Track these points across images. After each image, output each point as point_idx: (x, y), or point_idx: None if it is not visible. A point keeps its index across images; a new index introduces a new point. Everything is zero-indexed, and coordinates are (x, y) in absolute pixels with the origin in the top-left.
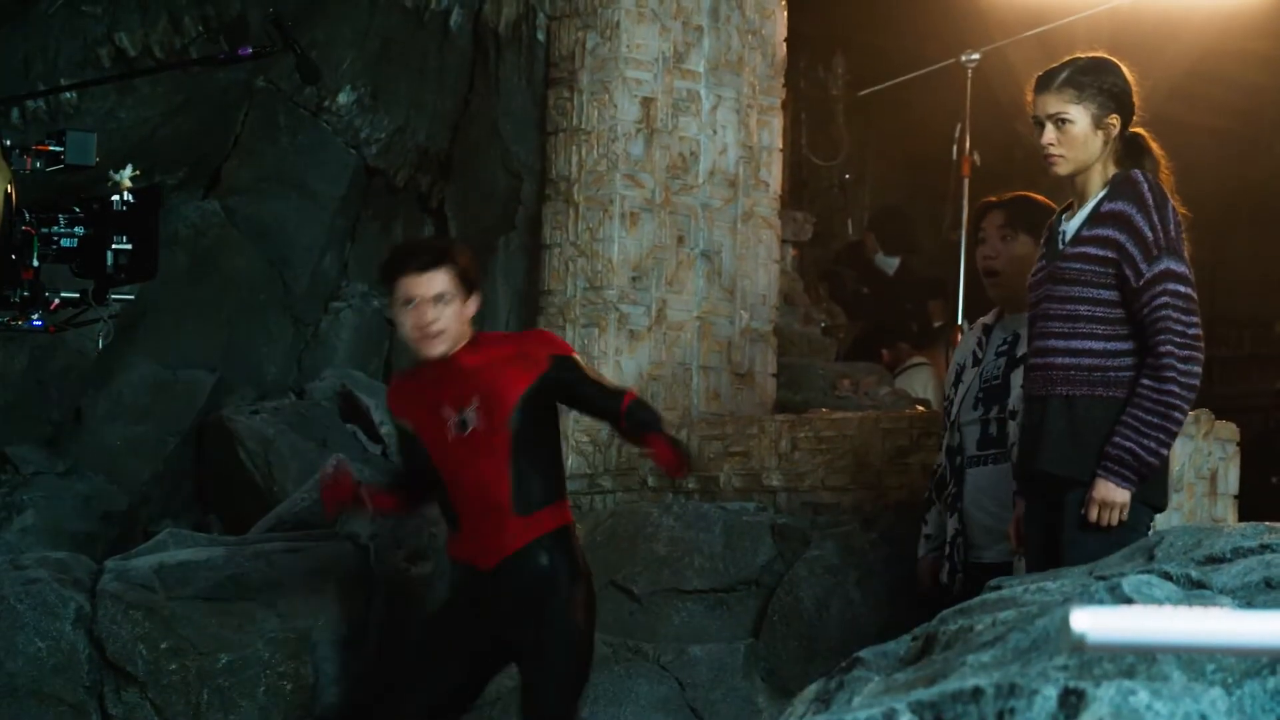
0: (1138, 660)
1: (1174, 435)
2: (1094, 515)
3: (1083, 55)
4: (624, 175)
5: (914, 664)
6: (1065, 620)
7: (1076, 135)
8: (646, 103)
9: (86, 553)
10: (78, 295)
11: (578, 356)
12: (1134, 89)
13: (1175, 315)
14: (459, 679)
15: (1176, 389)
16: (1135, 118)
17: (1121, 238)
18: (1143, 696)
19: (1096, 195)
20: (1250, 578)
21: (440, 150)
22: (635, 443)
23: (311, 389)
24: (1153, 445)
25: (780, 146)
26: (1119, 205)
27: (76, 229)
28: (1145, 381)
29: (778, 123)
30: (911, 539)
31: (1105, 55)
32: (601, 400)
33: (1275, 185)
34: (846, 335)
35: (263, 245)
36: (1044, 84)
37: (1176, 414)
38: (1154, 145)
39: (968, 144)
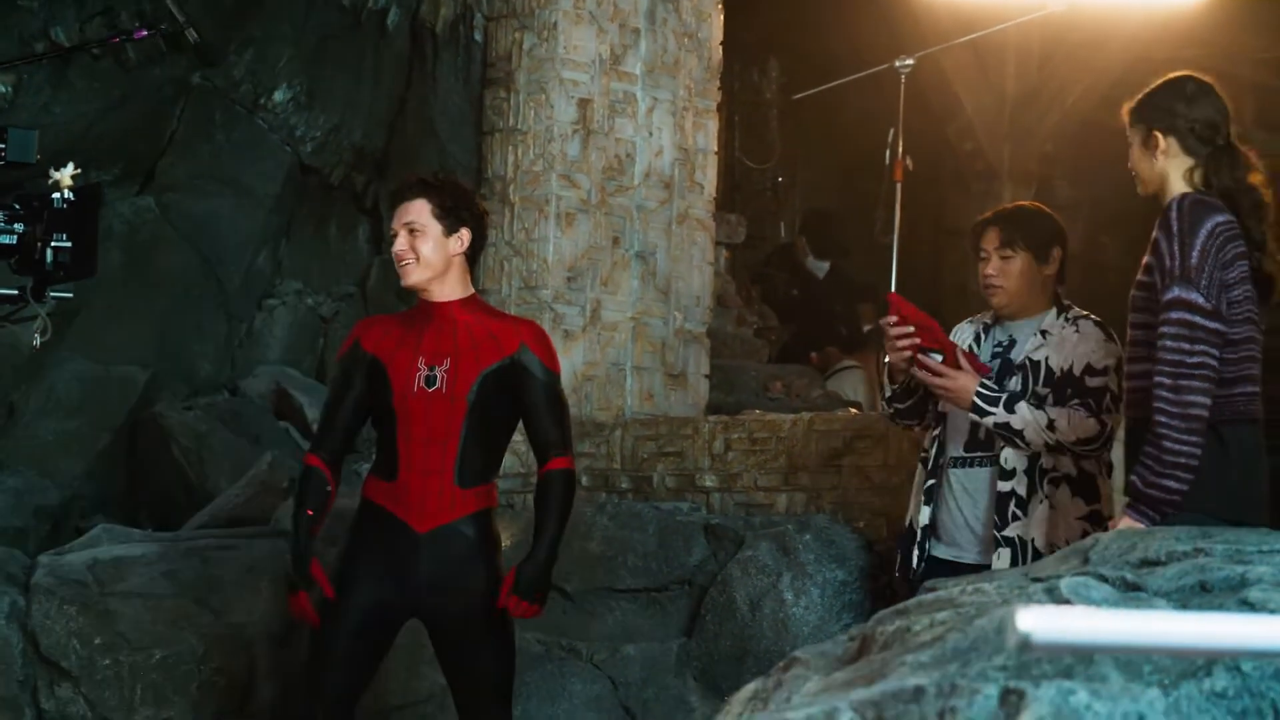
0: (1076, 661)
1: (1175, 465)
2: None
3: (1158, 82)
4: (560, 176)
5: (851, 664)
6: (1010, 620)
7: (1134, 157)
8: (583, 104)
9: (17, 548)
10: (16, 292)
11: (556, 374)
12: (1180, 101)
13: (1171, 344)
14: (366, 631)
15: (1164, 419)
16: (1214, 131)
17: (1154, 264)
18: (1082, 696)
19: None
20: (1185, 581)
21: (376, 149)
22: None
23: (245, 386)
24: (1149, 476)
25: (715, 149)
26: (1156, 232)
27: (16, 226)
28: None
29: (713, 125)
30: (848, 541)
31: (1176, 77)
32: (542, 428)
33: None
34: (778, 338)
35: (197, 242)
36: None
37: (1169, 443)
38: (1237, 159)
39: (901, 149)
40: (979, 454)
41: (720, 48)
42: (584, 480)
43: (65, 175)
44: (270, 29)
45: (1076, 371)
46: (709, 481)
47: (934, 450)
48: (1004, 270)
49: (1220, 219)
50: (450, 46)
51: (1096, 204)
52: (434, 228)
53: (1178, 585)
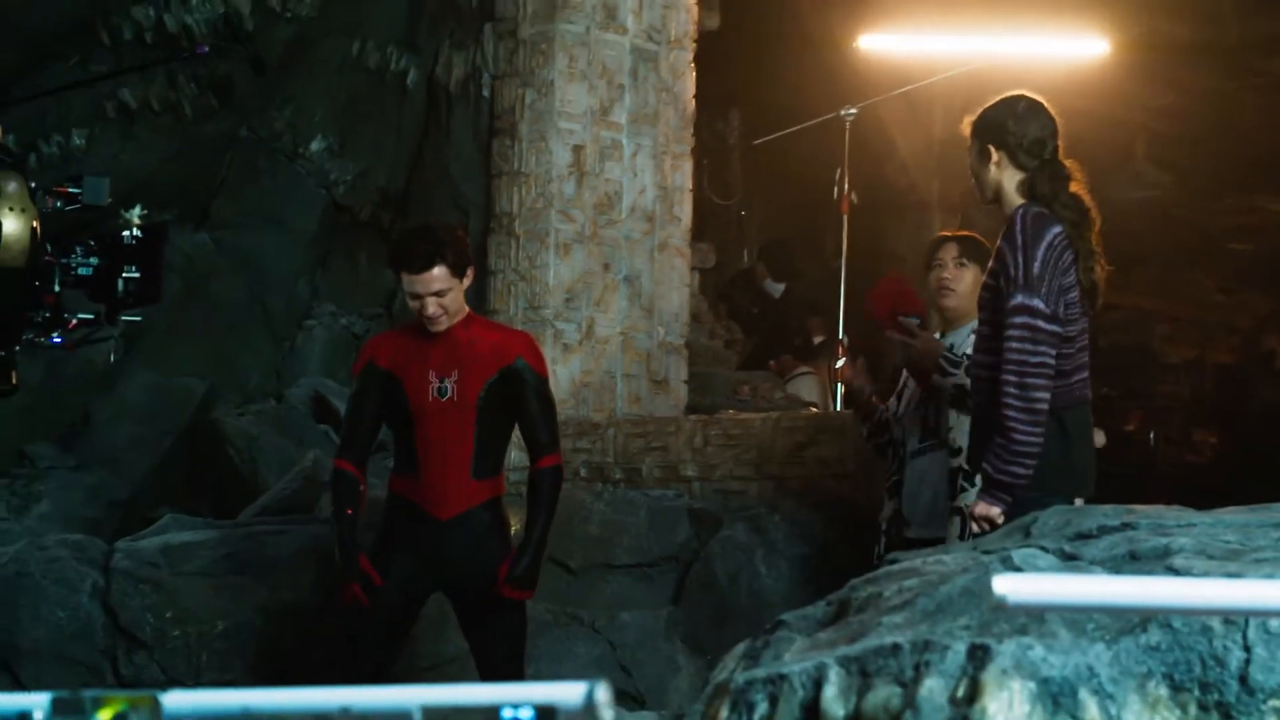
0: (1029, 620)
1: (1022, 454)
2: (974, 529)
3: (995, 99)
4: (558, 212)
5: (831, 625)
6: (988, 584)
7: (973, 167)
8: (577, 150)
9: (93, 536)
10: (92, 316)
11: (545, 378)
12: (1011, 119)
13: (1016, 345)
14: (400, 605)
15: (1012, 412)
16: (1039, 146)
17: (999, 270)
18: (1039, 651)
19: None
20: (1117, 551)
21: (398, 190)
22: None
23: (289, 395)
24: (999, 464)
25: (690, 187)
26: (1001, 243)
27: (91, 259)
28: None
29: (688, 167)
30: (811, 521)
31: (1010, 94)
32: (535, 430)
33: (1100, 221)
34: (743, 348)
35: (246, 272)
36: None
37: (1016, 434)
38: (1058, 172)
39: (847, 185)
40: (931, 441)
41: (694, 100)
42: (582, 472)
43: (134, 215)
44: (307, 89)
45: None
46: (691, 472)
47: (899, 447)
48: (958, 276)
49: (1057, 230)
50: (462, 102)
51: None
52: (453, 284)
53: (1110, 555)
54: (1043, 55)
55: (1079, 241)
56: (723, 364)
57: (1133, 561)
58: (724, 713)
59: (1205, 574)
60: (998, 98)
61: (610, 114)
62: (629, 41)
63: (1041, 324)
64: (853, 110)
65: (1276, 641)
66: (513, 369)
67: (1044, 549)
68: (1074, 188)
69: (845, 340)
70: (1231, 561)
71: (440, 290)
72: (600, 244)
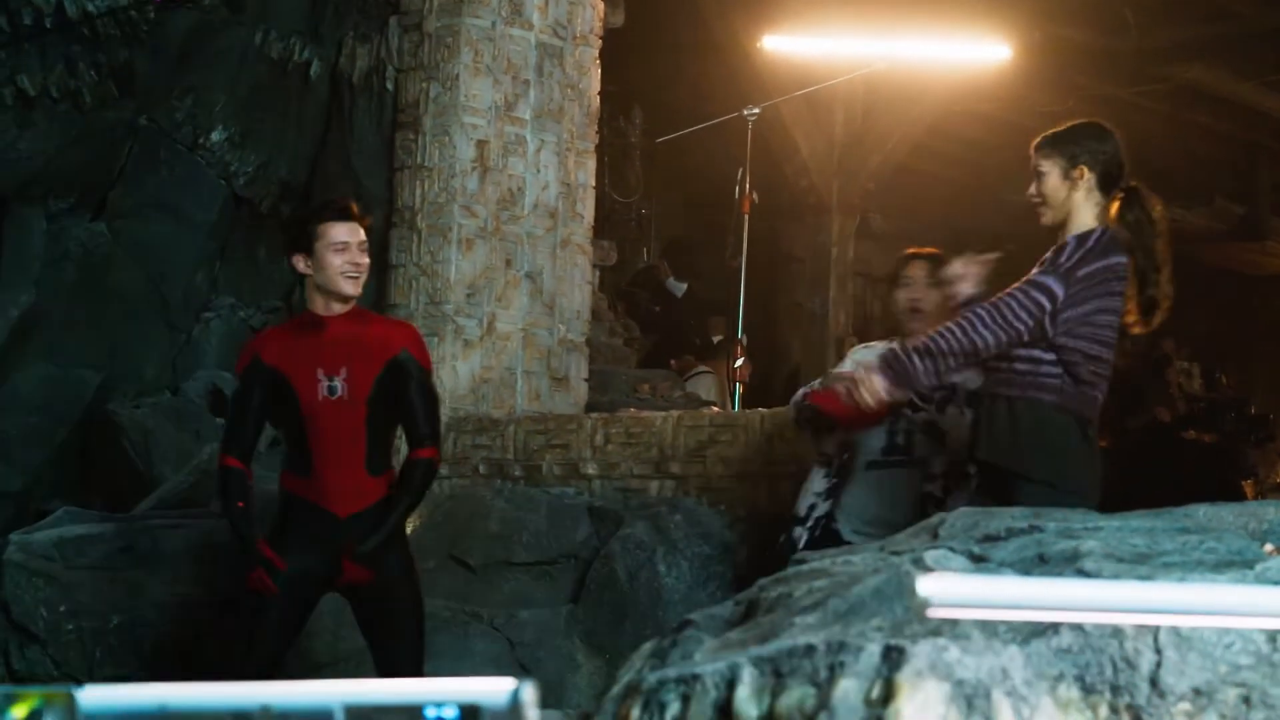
0: (941, 621)
1: (937, 354)
2: (854, 385)
3: (1072, 122)
4: (461, 206)
5: (740, 625)
6: (903, 585)
7: (1048, 187)
8: (481, 145)
9: None
10: None
11: (429, 370)
12: (1110, 145)
13: (1011, 302)
14: (295, 600)
15: (960, 333)
16: (1121, 171)
17: (1050, 257)
18: (954, 652)
19: (1065, 237)
20: (1025, 553)
21: (300, 183)
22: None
23: (185, 388)
24: (915, 353)
25: (593, 184)
26: (1072, 237)
27: None
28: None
29: (592, 164)
30: (712, 520)
31: (1091, 121)
32: (416, 422)
33: (997, 227)
34: (641, 346)
35: (143, 262)
36: (1036, 144)
37: (947, 342)
38: (1147, 199)
39: (748, 185)
40: (899, 458)
41: (598, 97)
42: (481, 469)
43: None
44: (208, 78)
45: None
46: (591, 470)
47: (844, 453)
48: (927, 297)
49: (1121, 260)
50: (365, 94)
51: (903, 235)
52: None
53: (1019, 557)
54: (945, 59)
55: (1140, 261)
56: (622, 362)
57: (1042, 564)
58: (635, 712)
59: (1115, 577)
60: (1075, 121)
61: (515, 109)
62: (535, 37)
63: (1044, 310)
64: (755, 110)
65: (1188, 645)
66: (397, 361)
67: (952, 550)
68: (1155, 212)
69: (744, 340)
70: (1141, 565)
71: (363, 243)
72: (502, 240)
